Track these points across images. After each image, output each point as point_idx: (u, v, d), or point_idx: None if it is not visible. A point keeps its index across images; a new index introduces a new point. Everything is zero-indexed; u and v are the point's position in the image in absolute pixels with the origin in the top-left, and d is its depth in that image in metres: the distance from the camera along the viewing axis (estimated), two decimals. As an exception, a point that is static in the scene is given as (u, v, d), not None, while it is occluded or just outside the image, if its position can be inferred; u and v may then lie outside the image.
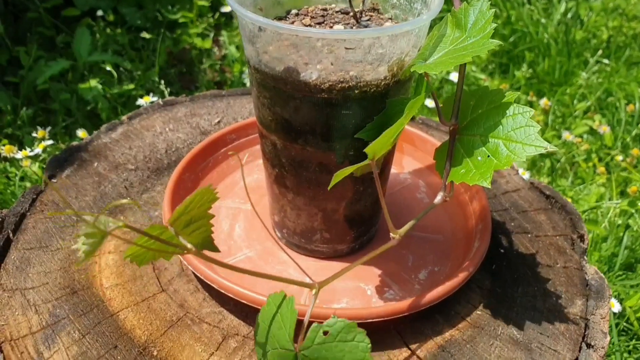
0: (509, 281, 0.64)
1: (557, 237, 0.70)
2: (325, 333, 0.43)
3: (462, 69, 0.51)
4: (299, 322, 0.45)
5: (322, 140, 0.54)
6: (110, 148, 0.79)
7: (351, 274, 0.63)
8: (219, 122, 0.86)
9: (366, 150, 0.47)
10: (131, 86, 1.46)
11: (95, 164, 0.76)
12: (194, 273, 0.62)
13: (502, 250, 0.68)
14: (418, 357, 0.56)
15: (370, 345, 0.43)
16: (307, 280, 0.62)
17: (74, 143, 0.79)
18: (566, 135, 1.42)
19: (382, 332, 0.58)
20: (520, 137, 0.49)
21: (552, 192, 0.76)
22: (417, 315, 0.58)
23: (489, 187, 0.50)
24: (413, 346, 0.57)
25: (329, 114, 0.51)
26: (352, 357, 0.43)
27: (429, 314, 0.60)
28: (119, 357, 0.54)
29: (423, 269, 0.64)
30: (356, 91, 0.50)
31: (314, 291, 0.46)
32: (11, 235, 0.66)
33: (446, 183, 0.53)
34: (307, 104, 0.51)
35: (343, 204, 0.59)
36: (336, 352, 0.43)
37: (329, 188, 0.51)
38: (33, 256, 0.63)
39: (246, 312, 0.59)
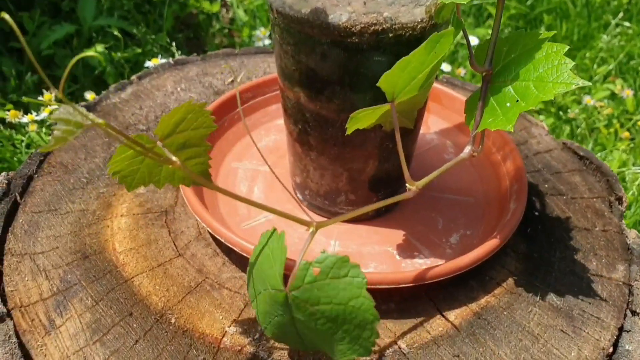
0: (545, 245, 0.61)
1: (594, 200, 0.66)
2: (315, 271, 0.39)
3: (500, 3, 0.46)
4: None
5: (350, 92, 0.49)
6: (119, 108, 0.75)
7: (378, 238, 0.59)
8: (232, 81, 0.81)
9: (380, 83, 0.43)
10: (138, 50, 1.41)
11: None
12: (212, 236, 0.59)
13: (536, 213, 0.64)
14: (453, 324, 0.52)
15: (366, 280, 0.39)
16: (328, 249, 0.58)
17: (82, 104, 0.75)
18: (587, 99, 1.37)
19: (413, 299, 0.54)
20: (552, 76, 0.45)
21: (586, 153, 0.72)
22: (450, 281, 0.55)
23: (512, 131, 0.45)
24: (447, 313, 0.53)
25: (359, 61, 0.47)
26: (347, 295, 0.39)
27: (463, 280, 0.56)
28: (134, 325, 0.51)
29: (454, 233, 0.60)
30: (390, 35, 0.45)
31: (311, 229, 0.42)
32: (18, 198, 0.62)
33: (476, 134, 0.49)
34: (335, 50, 0.47)
35: (370, 163, 0.55)
36: (329, 290, 0.39)
37: (347, 133, 0.47)
38: (42, 220, 0.60)
39: (268, 277, 0.55)
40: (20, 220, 0.60)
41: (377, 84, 0.43)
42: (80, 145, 0.69)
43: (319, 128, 0.53)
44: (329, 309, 0.40)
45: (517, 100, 0.46)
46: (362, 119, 0.46)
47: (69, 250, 0.57)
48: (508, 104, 0.47)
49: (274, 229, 0.42)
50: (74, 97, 1.35)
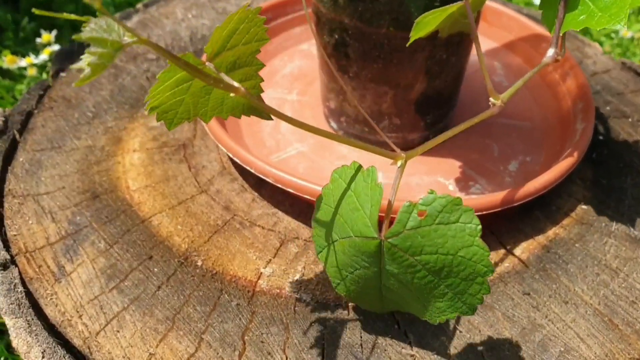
0: (614, 171, 0.53)
1: (665, 121, 0.58)
2: (420, 215, 0.32)
3: None
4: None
5: (400, -12, 0.41)
6: (125, 38, 0.67)
7: (426, 168, 0.52)
8: (249, 5, 0.73)
9: None
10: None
11: (74, 38, 0.64)
12: (238, 170, 0.52)
13: (600, 137, 0.57)
14: (520, 259, 0.46)
15: (480, 226, 0.32)
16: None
17: (83, 34, 0.67)
18: (623, 32, 1.27)
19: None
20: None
21: (649, 73, 0.64)
22: (512, 212, 0.48)
23: (625, 27, 0.38)
24: (512, 247, 0.46)
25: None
26: (456, 243, 0.32)
27: (527, 211, 0.49)
28: (155, 269, 0.44)
29: (512, 160, 0.53)
30: None
31: (399, 163, 0.35)
32: (17, 135, 0.55)
33: (559, 35, 0.41)
34: None
35: (420, 78, 0.48)
36: (435, 237, 0.32)
37: (408, 43, 0.39)
38: (45, 158, 0.53)
39: (306, 212, 0.48)
40: (21, 160, 0.53)
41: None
42: (84, 77, 0.62)
43: (360, 37, 0.45)
44: (433, 259, 0.33)
45: None
46: (430, 22, 0.38)
47: (76, 190, 0.50)
48: None
49: (359, 164, 0.35)
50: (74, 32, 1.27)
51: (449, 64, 0.47)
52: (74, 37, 0.25)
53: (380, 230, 0.34)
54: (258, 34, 0.35)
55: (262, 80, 0.38)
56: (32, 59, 0.93)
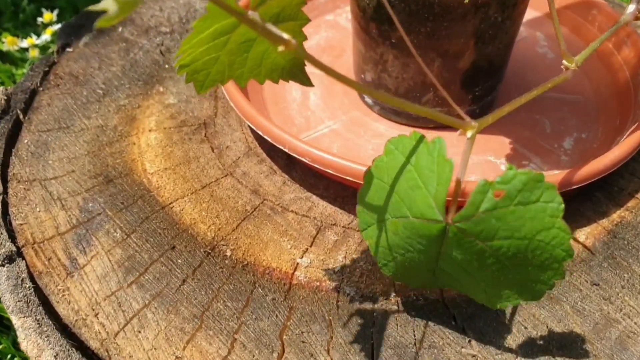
0: (679, 149, 0.48)
1: None
2: (497, 195, 0.28)
3: None
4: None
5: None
6: (136, 10, 0.62)
7: (475, 146, 0.47)
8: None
9: None
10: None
11: (120, 29, 0.59)
12: (266, 149, 0.47)
13: (660, 112, 0.52)
14: (584, 245, 0.41)
15: (563, 206, 0.27)
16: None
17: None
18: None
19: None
20: None
21: None
22: (570, 194, 0.43)
23: None
24: (574, 232, 0.42)
25: None
26: (535, 226, 0.27)
27: (586, 193, 0.44)
28: (179, 261, 0.40)
29: (567, 137, 0.48)
30: None
31: (469, 133, 0.30)
32: (21, 115, 0.50)
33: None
34: None
35: (471, 45, 0.42)
36: (512, 220, 0.28)
37: (466, 0, 0.34)
38: (52, 139, 0.48)
39: (343, 196, 0.44)
40: (26, 141, 0.48)
41: None
42: (92, 53, 0.57)
43: (404, -2, 0.40)
44: (507, 244, 0.28)
45: None
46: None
47: (87, 174, 0.45)
48: None
49: (421, 135, 0.30)
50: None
51: (503, 28, 0.42)
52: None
53: (446, 212, 0.29)
54: None
55: (306, 38, 0.33)
56: (34, 39, 0.88)
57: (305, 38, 0.33)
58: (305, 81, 0.34)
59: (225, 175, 0.45)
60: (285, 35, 0.24)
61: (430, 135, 0.48)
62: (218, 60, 0.29)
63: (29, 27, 1.23)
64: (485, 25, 0.41)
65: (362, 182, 0.38)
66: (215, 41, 0.28)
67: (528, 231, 0.28)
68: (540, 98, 0.51)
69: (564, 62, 0.35)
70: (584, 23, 0.56)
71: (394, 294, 0.37)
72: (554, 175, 0.39)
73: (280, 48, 0.24)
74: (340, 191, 0.44)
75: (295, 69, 0.33)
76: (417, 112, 0.29)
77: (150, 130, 0.48)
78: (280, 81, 0.33)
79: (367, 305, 0.37)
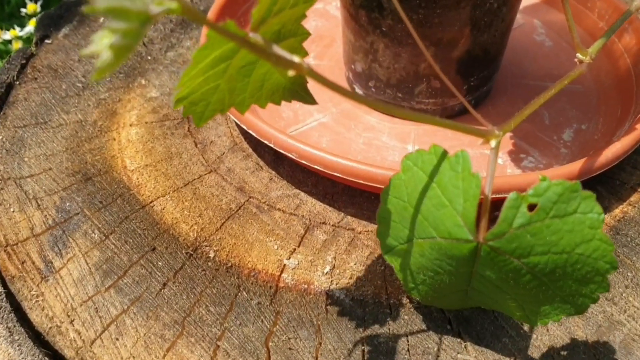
0: (683, 140, 0.46)
1: None
2: (530, 208, 0.25)
3: None
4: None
5: None
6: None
7: (469, 139, 0.45)
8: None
9: None
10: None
11: (101, 19, 0.57)
12: (252, 144, 0.45)
13: (662, 102, 0.50)
14: (586, 243, 0.39)
15: (603, 216, 0.25)
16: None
17: (70, -3, 0.60)
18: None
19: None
20: None
21: None
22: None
23: None
24: (575, 229, 0.40)
25: None
26: (574, 239, 0.25)
27: (587, 186, 0.42)
28: (159, 263, 0.38)
29: (566, 128, 0.46)
30: None
31: (493, 142, 0.28)
32: (-4, 110, 0.48)
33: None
34: None
35: (466, 32, 0.40)
36: (548, 235, 0.25)
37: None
38: (28, 135, 0.46)
39: (332, 193, 0.42)
40: (0, 137, 0.46)
41: None
42: (72, 44, 0.54)
43: (396, -16, 0.38)
44: (544, 260, 0.26)
45: None
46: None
47: (65, 172, 0.43)
48: None
49: (443, 150, 0.28)
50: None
51: (499, 15, 0.40)
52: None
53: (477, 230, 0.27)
54: None
55: (307, 53, 0.31)
56: (17, 31, 0.85)
57: (307, 54, 0.31)
58: (309, 99, 0.32)
59: (209, 172, 0.43)
60: (296, 59, 0.21)
61: (421, 128, 0.46)
62: (218, 89, 0.26)
63: (14, 19, 1.20)
64: (480, 12, 0.39)
65: (352, 179, 0.36)
66: (215, 69, 0.25)
67: (566, 245, 0.26)
68: (539, 88, 0.49)
69: (578, 55, 0.33)
70: (583, 10, 0.54)
71: (385, 297, 0.36)
72: (554, 170, 0.37)
73: (291, 72, 0.22)
74: (329, 188, 0.42)
75: (297, 88, 0.31)
76: (437, 124, 0.26)
77: (131, 125, 0.46)
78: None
79: (358, 309, 0.35)
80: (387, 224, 0.30)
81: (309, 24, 0.56)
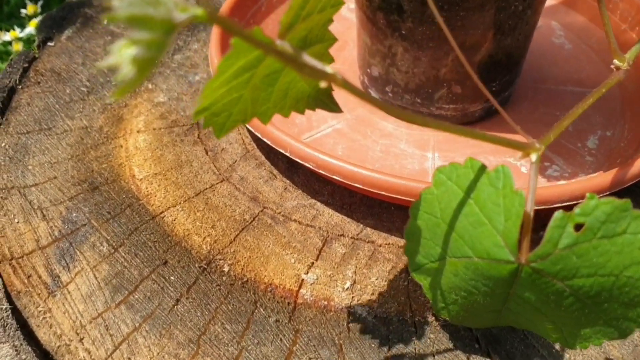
0: None
1: None
2: (577, 228, 0.24)
3: None
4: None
5: None
6: (122, 1, 0.58)
7: (491, 146, 0.43)
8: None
9: None
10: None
11: (105, 21, 0.55)
12: (265, 152, 0.43)
13: (686, 107, 0.48)
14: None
15: None
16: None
17: (73, -2, 0.58)
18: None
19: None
20: None
21: None
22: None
23: None
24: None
25: None
26: (622, 261, 0.24)
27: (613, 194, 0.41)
28: (172, 278, 0.36)
29: (591, 135, 0.44)
30: None
31: (533, 156, 0.26)
32: (-2, 116, 0.46)
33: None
34: None
35: (489, 36, 0.39)
36: (595, 256, 0.24)
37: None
38: (32, 142, 0.44)
39: (350, 203, 0.40)
40: (3, 145, 0.44)
41: None
42: (76, 47, 0.53)
43: (418, -15, 0.36)
44: (590, 283, 0.24)
45: None
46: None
47: (71, 181, 0.42)
48: None
49: (481, 164, 0.26)
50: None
51: (523, 18, 0.39)
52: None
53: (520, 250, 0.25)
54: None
55: (333, 60, 0.30)
56: (17, 32, 0.83)
57: (333, 60, 0.30)
58: (334, 108, 0.30)
59: (221, 181, 0.41)
60: (328, 69, 0.20)
61: (440, 135, 0.44)
62: (241, 99, 0.25)
63: (14, 19, 1.18)
64: (504, 15, 0.38)
65: (374, 191, 0.35)
66: (239, 79, 0.24)
67: (614, 267, 0.24)
68: (560, 92, 0.48)
69: (615, 61, 0.31)
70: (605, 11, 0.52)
71: (410, 314, 0.34)
72: (583, 181, 0.35)
73: (323, 84, 0.20)
74: (347, 197, 0.40)
75: (322, 96, 0.30)
76: (477, 138, 0.25)
77: (138, 132, 0.45)
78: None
79: (382, 327, 0.33)
80: (417, 241, 0.28)
81: (320, 26, 0.54)
